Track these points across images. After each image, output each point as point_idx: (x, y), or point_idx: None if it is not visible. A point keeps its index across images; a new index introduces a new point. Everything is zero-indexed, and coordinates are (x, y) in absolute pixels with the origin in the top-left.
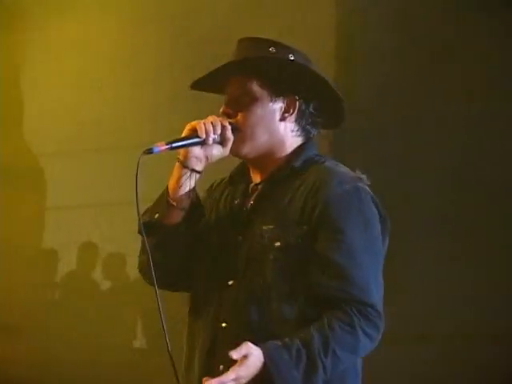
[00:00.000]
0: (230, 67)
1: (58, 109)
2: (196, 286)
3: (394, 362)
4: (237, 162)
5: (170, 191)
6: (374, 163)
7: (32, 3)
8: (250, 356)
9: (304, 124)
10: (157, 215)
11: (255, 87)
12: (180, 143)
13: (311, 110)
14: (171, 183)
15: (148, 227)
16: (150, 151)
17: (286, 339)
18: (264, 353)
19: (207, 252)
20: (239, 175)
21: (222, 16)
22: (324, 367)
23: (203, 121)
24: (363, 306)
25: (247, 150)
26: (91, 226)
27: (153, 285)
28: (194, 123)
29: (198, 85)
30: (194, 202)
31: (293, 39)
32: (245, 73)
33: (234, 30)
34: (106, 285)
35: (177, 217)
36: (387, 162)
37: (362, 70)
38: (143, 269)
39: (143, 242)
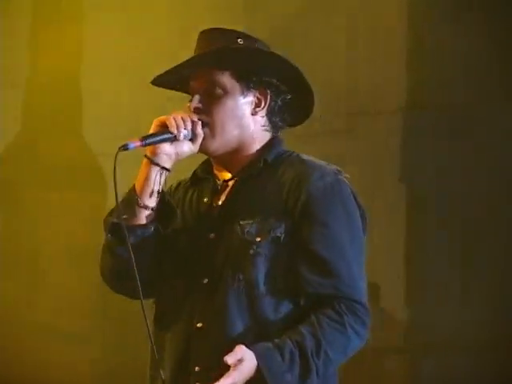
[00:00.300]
0: (201, 59)
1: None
2: (163, 290)
3: None
4: (190, 161)
5: (138, 191)
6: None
7: None
8: (245, 360)
9: (274, 119)
10: (125, 216)
11: (226, 80)
12: (152, 139)
13: (281, 104)
14: (139, 182)
15: (115, 229)
16: (125, 147)
17: (277, 340)
18: (256, 355)
19: (176, 254)
20: (204, 173)
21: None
22: (317, 369)
23: (172, 116)
24: (351, 303)
25: (216, 145)
26: None
27: (118, 291)
28: (162, 118)
29: (160, 80)
30: (164, 201)
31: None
32: (216, 65)
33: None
34: None
35: (146, 218)
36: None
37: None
38: (106, 273)
39: (109, 244)
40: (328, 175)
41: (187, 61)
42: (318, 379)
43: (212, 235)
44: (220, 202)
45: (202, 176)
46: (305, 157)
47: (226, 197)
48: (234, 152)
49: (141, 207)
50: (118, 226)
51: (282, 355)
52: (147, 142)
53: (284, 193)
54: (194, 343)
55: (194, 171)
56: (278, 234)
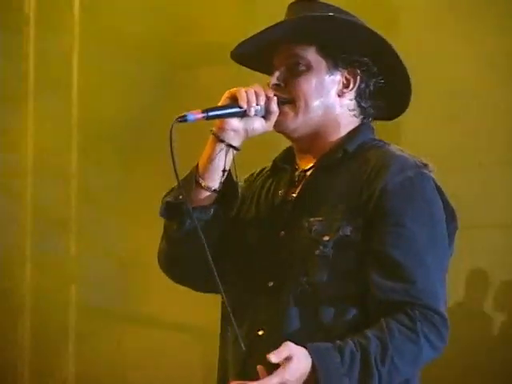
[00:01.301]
0: (281, 29)
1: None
2: (229, 289)
3: None
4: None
5: (199, 168)
6: None
7: None
8: (294, 358)
9: (363, 104)
10: (181, 196)
11: (311, 55)
12: (217, 112)
13: (372, 88)
14: (202, 159)
15: (170, 209)
16: (183, 119)
17: (338, 341)
18: (312, 354)
19: (243, 250)
20: (284, 162)
21: None
22: (380, 377)
23: (245, 89)
24: (427, 311)
25: (297, 124)
26: None
27: (179, 281)
28: (233, 90)
29: (240, 54)
30: (229, 184)
31: None
32: (299, 38)
33: None
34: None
35: (206, 200)
36: None
37: None
38: (162, 259)
39: (168, 226)
40: (409, 168)
41: (264, 30)
42: None
43: (282, 233)
44: (294, 195)
45: (280, 165)
46: (391, 147)
47: (301, 189)
48: (316, 136)
49: (201, 188)
50: (175, 206)
51: (341, 357)
52: (210, 114)
53: (359, 187)
54: (255, 353)
55: (274, 159)
56: (348, 233)
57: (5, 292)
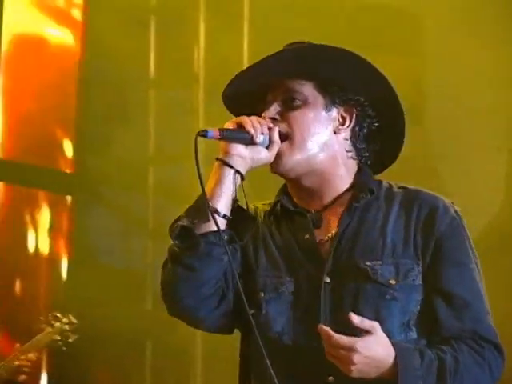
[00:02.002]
0: (281, 63)
1: None
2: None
3: None
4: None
5: (209, 195)
6: None
7: None
8: (375, 335)
9: (359, 145)
10: (196, 221)
11: (308, 90)
12: (230, 134)
13: (367, 130)
14: (211, 185)
15: (185, 235)
16: (204, 134)
17: (418, 346)
18: (397, 350)
19: (273, 297)
20: (290, 204)
21: None
22: None
23: (247, 117)
24: (491, 344)
25: (294, 162)
26: None
27: (181, 312)
28: (238, 119)
29: (231, 96)
30: (238, 210)
31: None
32: (299, 72)
33: None
34: None
35: (219, 226)
36: None
37: None
38: (168, 288)
39: (177, 252)
40: (449, 208)
41: (260, 61)
42: None
43: (327, 279)
44: (326, 238)
45: (289, 207)
46: (409, 187)
47: (336, 233)
48: (319, 175)
49: (213, 212)
50: (188, 230)
51: (421, 360)
52: (224, 134)
53: (410, 230)
54: None
55: (278, 202)
56: (414, 277)
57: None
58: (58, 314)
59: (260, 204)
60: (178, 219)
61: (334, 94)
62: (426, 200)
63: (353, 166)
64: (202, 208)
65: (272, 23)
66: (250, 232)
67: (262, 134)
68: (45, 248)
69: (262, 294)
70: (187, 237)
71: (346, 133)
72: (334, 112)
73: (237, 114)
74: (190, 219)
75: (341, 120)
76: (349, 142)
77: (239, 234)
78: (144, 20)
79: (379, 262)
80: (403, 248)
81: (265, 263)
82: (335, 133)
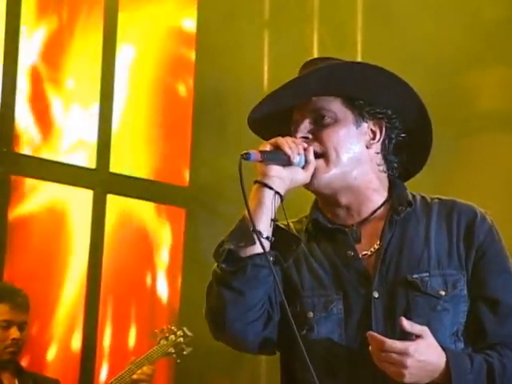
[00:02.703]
0: (305, 82)
1: None
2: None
3: None
4: None
5: (253, 217)
6: None
7: None
8: (426, 339)
9: (389, 157)
10: (242, 244)
11: (336, 107)
12: (271, 156)
13: (395, 141)
14: (253, 207)
15: (231, 259)
16: (247, 156)
17: (466, 351)
18: (447, 353)
19: (324, 316)
20: (326, 221)
21: None
22: None
23: (282, 138)
24: None
25: (329, 178)
26: None
27: (229, 337)
28: (274, 140)
29: (256, 120)
30: (278, 231)
31: None
32: (323, 90)
33: None
34: None
35: (261, 248)
36: None
37: None
38: (217, 313)
39: (224, 276)
40: (484, 216)
41: (287, 84)
42: None
43: (376, 294)
44: (370, 253)
45: (326, 224)
46: (442, 197)
47: (379, 247)
48: (355, 191)
49: (258, 235)
50: (234, 253)
51: (471, 363)
52: (266, 157)
53: (453, 241)
54: None
55: (314, 219)
56: (461, 287)
57: None
58: (172, 327)
59: (291, 222)
60: (222, 243)
61: (361, 109)
62: (463, 209)
63: (385, 179)
64: (246, 231)
65: None
66: (295, 253)
67: (298, 154)
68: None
69: (312, 314)
70: (234, 260)
71: (376, 146)
72: (364, 127)
73: (264, 136)
74: (235, 242)
75: (371, 134)
76: (380, 155)
77: (283, 255)
78: None
79: (427, 274)
80: (448, 259)
81: (310, 283)
82: (367, 147)
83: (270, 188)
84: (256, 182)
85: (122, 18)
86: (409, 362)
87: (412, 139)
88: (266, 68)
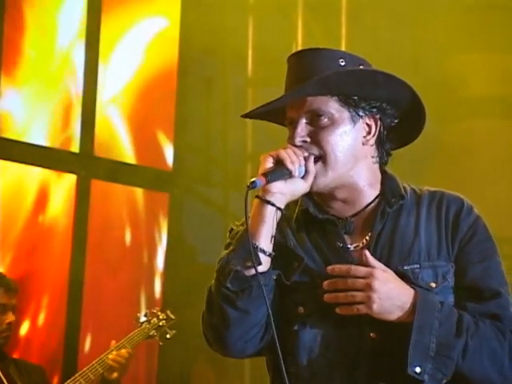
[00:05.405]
0: (306, 88)
1: None
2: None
3: None
4: None
5: (254, 234)
6: None
7: None
8: (388, 271)
9: (381, 148)
10: (249, 264)
11: (333, 107)
12: (274, 176)
13: (386, 132)
14: (255, 224)
15: (237, 278)
16: (253, 186)
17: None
18: (416, 289)
19: (315, 310)
20: (319, 212)
21: None
22: (466, 345)
23: (284, 150)
24: None
25: (329, 181)
26: None
27: (236, 354)
28: (274, 153)
29: (252, 113)
30: (280, 247)
31: None
32: (320, 91)
33: None
34: None
35: (265, 265)
36: None
37: None
38: (223, 326)
39: (229, 296)
40: (471, 208)
41: (291, 94)
42: (461, 360)
43: None
44: (360, 245)
45: (317, 215)
46: (432, 188)
47: (370, 238)
48: (352, 187)
49: (261, 252)
50: (239, 273)
51: (441, 306)
52: (270, 178)
53: (442, 232)
54: None
55: (304, 210)
56: (450, 278)
57: None
58: (154, 310)
59: None
60: (227, 261)
61: (357, 105)
62: (451, 201)
63: (377, 171)
64: (250, 249)
65: None
66: (297, 272)
67: (300, 165)
68: (142, 243)
69: (302, 310)
70: (239, 280)
71: (372, 140)
72: (360, 123)
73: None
74: (241, 262)
75: (367, 128)
76: (374, 146)
77: (285, 274)
78: None
79: (417, 266)
80: (437, 250)
81: (299, 275)
82: (363, 144)
83: (273, 205)
84: (257, 197)
85: None
86: (376, 284)
87: (405, 118)
88: (250, 52)
